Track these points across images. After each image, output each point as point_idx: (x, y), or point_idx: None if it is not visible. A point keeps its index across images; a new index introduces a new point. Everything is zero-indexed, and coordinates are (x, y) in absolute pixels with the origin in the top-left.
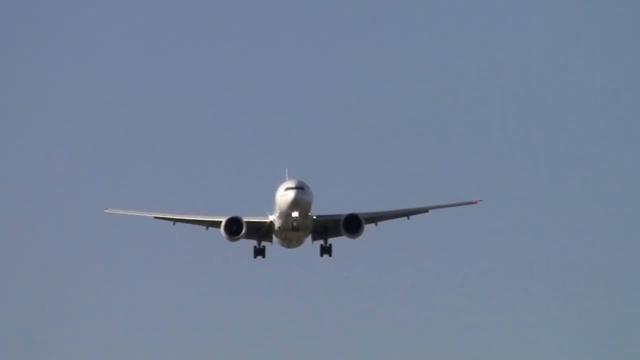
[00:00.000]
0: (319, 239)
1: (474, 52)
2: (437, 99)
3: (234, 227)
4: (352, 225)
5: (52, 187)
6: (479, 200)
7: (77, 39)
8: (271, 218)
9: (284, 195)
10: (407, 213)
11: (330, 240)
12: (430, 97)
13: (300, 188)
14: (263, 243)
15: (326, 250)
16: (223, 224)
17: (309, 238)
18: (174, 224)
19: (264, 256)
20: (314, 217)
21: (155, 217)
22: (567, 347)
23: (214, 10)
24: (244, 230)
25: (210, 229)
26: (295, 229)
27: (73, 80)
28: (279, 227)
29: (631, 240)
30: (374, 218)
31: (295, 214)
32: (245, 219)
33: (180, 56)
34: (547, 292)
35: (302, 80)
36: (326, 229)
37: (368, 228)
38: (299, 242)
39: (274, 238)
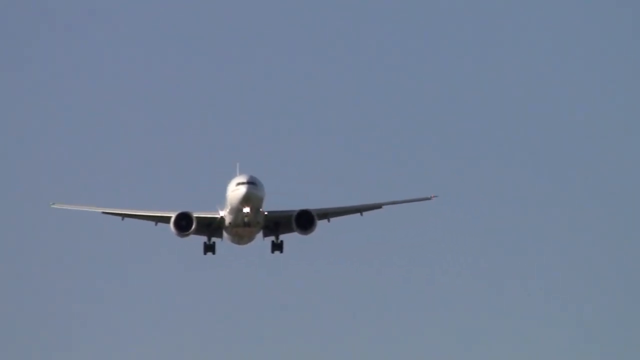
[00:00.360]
0: (271, 235)
1: (438, 42)
2: (393, 92)
3: (183, 223)
4: (304, 221)
5: None
6: (434, 196)
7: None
8: (222, 213)
9: (235, 190)
10: (360, 209)
11: (282, 237)
12: (385, 90)
13: (252, 183)
14: (213, 239)
15: (277, 246)
16: (172, 219)
17: (260, 234)
18: (122, 220)
19: (214, 252)
20: (266, 213)
21: (104, 213)
22: (525, 341)
23: None
24: (193, 226)
25: (160, 224)
26: (246, 224)
27: (24, 70)
28: (230, 223)
29: (607, 230)
30: (327, 214)
31: (246, 210)
32: (195, 215)
33: (138, 47)
34: (499, 287)
35: (257, 73)
36: (278, 225)
37: (320, 224)
38: (250, 238)
39: (225, 234)
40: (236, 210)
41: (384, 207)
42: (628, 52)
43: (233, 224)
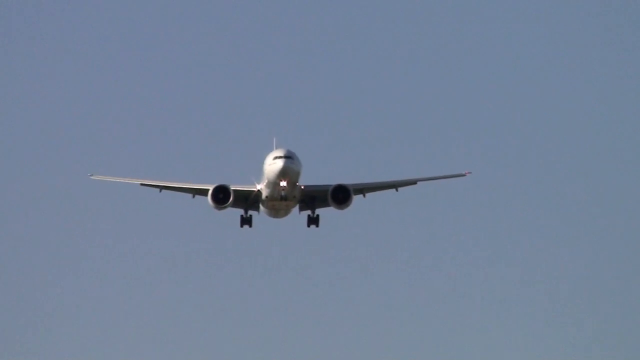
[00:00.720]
0: (307, 210)
1: (469, 32)
2: (428, 72)
3: (221, 195)
4: (340, 196)
5: (38, 153)
6: (468, 173)
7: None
8: (259, 187)
9: (273, 164)
10: (395, 185)
11: (318, 211)
12: (421, 70)
13: (289, 157)
14: (250, 212)
15: (313, 220)
16: (210, 192)
17: (296, 209)
18: (160, 192)
19: (250, 225)
20: (302, 187)
21: (142, 184)
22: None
23: None
24: (231, 199)
25: (197, 197)
26: (283, 198)
27: (61, 45)
28: (267, 197)
29: (618, 225)
30: (362, 189)
31: (283, 184)
32: (232, 188)
33: (171, 26)
34: (535, 267)
35: (292, 50)
36: (314, 200)
37: (356, 199)
38: (286, 212)
39: (261, 207)
40: (273, 184)
41: (418, 183)
42: (629, 51)
43: (270, 198)
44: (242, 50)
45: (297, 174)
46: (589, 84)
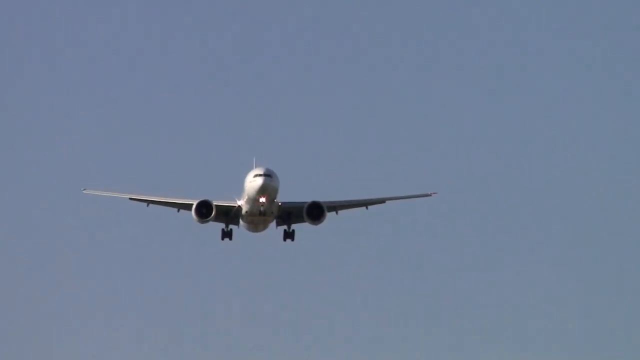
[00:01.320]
0: (283, 225)
1: (443, 38)
2: (398, 90)
3: (204, 210)
4: (315, 212)
5: (31, 168)
6: (434, 193)
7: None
8: (239, 203)
9: (253, 181)
10: (366, 203)
11: (294, 226)
12: (391, 89)
13: (268, 175)
14: (230, 226)
15: (289, 235)
16: (194, 206)
17: (273, 224)
18: (147, 206)
19: (230, 238)
20: (280, 204)
21: (131, 199)
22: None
23: None
24: (213, 213)
25: (182, 211)
26: (262, 213)
27: (51, 59)
28: (247, 212)
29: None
30: (335, 207)
31: (262, 200)
32: (215, 203)
33: (155, 38)
34: (498, 283)
35: (271, 70)
36: (290, 215)
37: (329, 216)
38: (264, 226)
39: (241, 222)
40: (253, 200)
41: (387, 202)
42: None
43: (249, 213)
44: (224, 72)
45: (275, 191)
46: (566, 99)
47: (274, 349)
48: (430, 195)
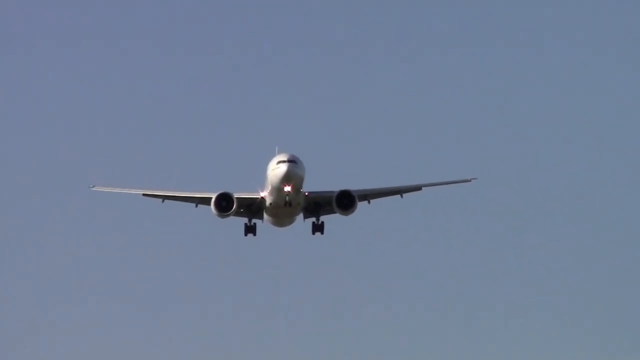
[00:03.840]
0: (311, 217)
1: (475, 34)
2: (433, 74)
3: (224, 203)
4: (345, 201)
5: (37, 165)
6: (473, 179)
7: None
8: (262, 194)
9: (276, 168)
10: (400, 191)
11: (322, 218)
12: (426, 72)
13: (292, 161)
14: (254, 220)
15: (318, 228)
16: (213, 200)
17: (300, 217)
18: (162, 202)
19: (254, 234)
20: (306, 194)
21: (144, 195)
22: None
23: None
24: (234, 206)
25: (200, 206)
26: (287, 204)
27: (57, 54)
28: (270, 203)
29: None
30: (367, 195)
31: (287, 188)
32: (236, 195)
33: (169, 31)
34: (541, 272)
35: (294, 53)
36: (318, 206)
37: (360, 206)
38: (290, 219)
39: (265, 215)
40: (277, 190)
41: (423, 188)
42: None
43: (274, 204)
44: (243, 56)
45: (301, 179)
46: (598, 87)
47: (303, 351)
48: (469, 180)
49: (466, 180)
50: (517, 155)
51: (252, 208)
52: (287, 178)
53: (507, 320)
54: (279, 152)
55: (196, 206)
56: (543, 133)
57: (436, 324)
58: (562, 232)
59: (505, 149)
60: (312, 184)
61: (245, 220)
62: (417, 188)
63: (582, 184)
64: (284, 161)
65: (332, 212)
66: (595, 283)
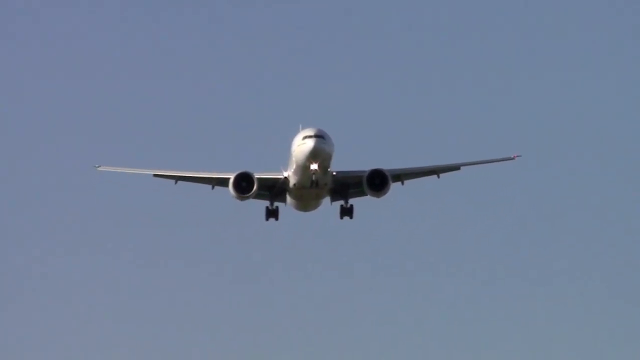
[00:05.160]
0: (339, 200)
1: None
2: (469, 45)
3: (244, 184)
4: (377, 181)
5: (40, 143)
6: (517, 156)
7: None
8: (285, 174)
9: (302, 144)
10: (437, 170)
11: (352, 201)
12: (465, 47)
13: (320, 137)
14: (276, 204)
15: (347, 211)
16: (232, 180)
17: (327, 200)
18: (175, 183)
19: (277, 218)
20: (334, 174)
21: (155, 175)
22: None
23: None
24: (255, 187)
25: (217, 187)
26: (313, 184)
27: (65, 34)
28: (295, 184)
29: None
30: (400, 176)
31: (314, 166)
32: (256, 175)
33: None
34: (587, 256)
35: (320, 24)
36: (347, 187)
37: (394, 187)
38: (316, 202)
39: (288, 198)
40: (303, 168)
41: (462, 168)
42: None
43: (298, 185)
44: (263, 30)
45: (329, 156)
46: None
47: (330, 343)
48: (513, 158)
49: (509, 159)
50: (565, 131)
51: (275, 189)
52: (314, 155)
53: (554, 306)
54: (304, 128)
55: (212, 188)
56: (594, 107)
57: (476, 317)
58: (613, 216)
59: (551, 124)
60: (340, 164)
61: (266, 203)
62: (456, 167)
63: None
64: (310, 136)
65: (363, 194)
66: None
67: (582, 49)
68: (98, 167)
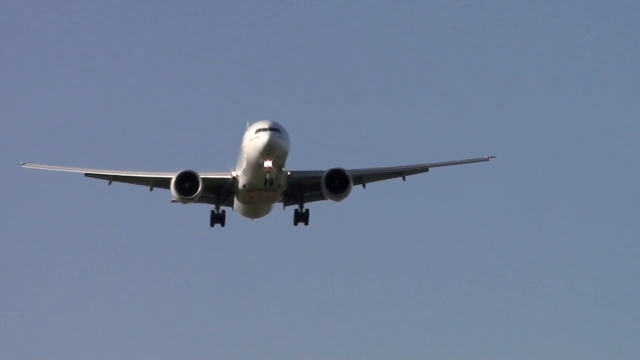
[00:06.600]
0: (293, 204)
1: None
2: (442, 42)
3: (187, 185)
4: (337, 183)
5: None
6: (491, 157)
7: None
8: (234, 174)
9: (255, 138)
10: (403, 172)
11: (307, 205)
12: (434, 39)
13: (275, 130)
14: (222, 208)
15: (302, 217)
16: (173, 180)
17: (279, 206)
18: (109, 184)
19: (223, 224)
20: (289, 173)
21: (87, 175)
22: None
23: None
24: (199, 189)
25: (156, 189)
26: (266, 184)
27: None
28: (245, 185)
29: None
30: (362, 177)
31: (267, 164)
32: (201, 175)
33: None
34: (556, 260)
35: (274, 16)
36: (303, 190)
37: (354, 190)
38: (267, 207)
39: (236, 202)
40: (255, 166)
41: (430, 169)
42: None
43: (249, 186)
44: (208, 19)
45: (285, 153)
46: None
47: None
48: (487, 159)
49: (483, 160)
50: (538, 132)
51: (222, 191)
52: (268, 150)
53: (522, 310)
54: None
55: (151, 189)
56: (569, 105)
57: (445, 329)
58: (592, 217)
59: (524, 125)
60: (295, 164)
61: (212, 207)
62: (423, 169)
63: (616, 165)
64: (265, 129)
65: (320, 197)
66: (618, 271)
67: (555, 46)
68: (23, 164)
